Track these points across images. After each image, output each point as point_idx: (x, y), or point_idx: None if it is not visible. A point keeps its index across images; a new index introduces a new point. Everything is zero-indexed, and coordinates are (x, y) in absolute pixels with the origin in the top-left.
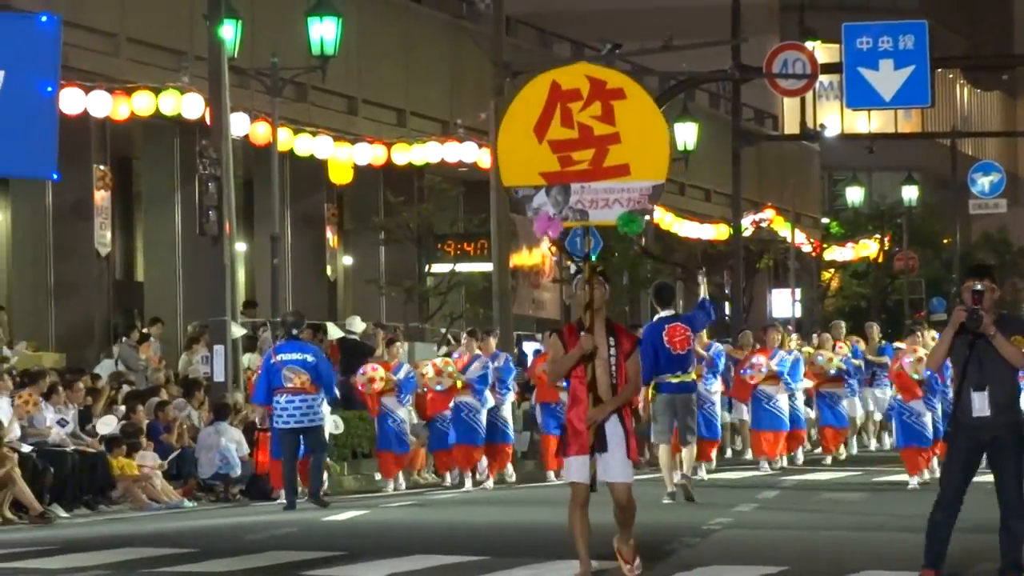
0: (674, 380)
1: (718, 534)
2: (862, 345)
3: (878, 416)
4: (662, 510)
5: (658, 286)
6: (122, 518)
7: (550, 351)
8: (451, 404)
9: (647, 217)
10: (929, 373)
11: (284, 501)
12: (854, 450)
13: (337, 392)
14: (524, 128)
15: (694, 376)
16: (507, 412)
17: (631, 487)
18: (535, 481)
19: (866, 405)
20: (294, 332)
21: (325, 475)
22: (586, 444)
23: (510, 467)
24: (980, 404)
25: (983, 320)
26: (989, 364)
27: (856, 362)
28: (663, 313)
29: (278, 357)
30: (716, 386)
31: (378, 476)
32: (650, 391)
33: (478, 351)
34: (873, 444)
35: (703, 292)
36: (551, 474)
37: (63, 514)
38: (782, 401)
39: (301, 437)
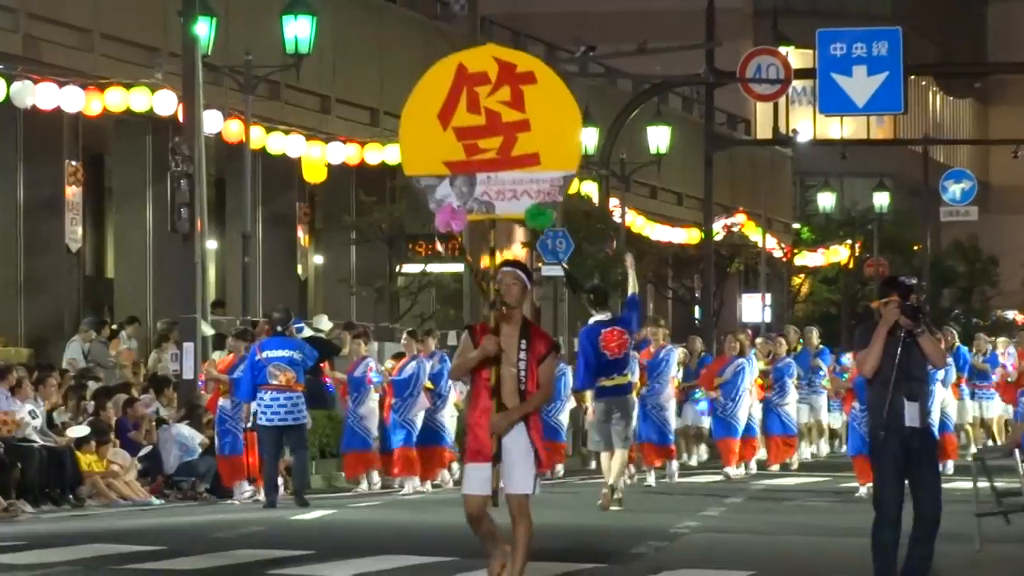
0: (609, 383)
1: (685, 538)
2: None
3: (815, 420)
4: (629, 513)
5: (593, 288)
6: (89, 515)
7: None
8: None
9: (554, 212)
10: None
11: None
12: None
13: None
14: (428, 114)
15: (629, 378)
16: (443, 415)
17: (528, 500)
18: None
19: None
20: (279, 328)
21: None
22: (488, 452)
23: (445, 472)
24: (912, 414)
25: (923, 314)
26: (914, 371)
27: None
28: (599, 316)
29: (263, 354)
30: (668, 391)
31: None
32: (588, 398)
33: (417, 352)
34: (809, 452)
35: (632, 285)
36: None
37: (29, 509)
38: (740, 409)
39: (283, 435)
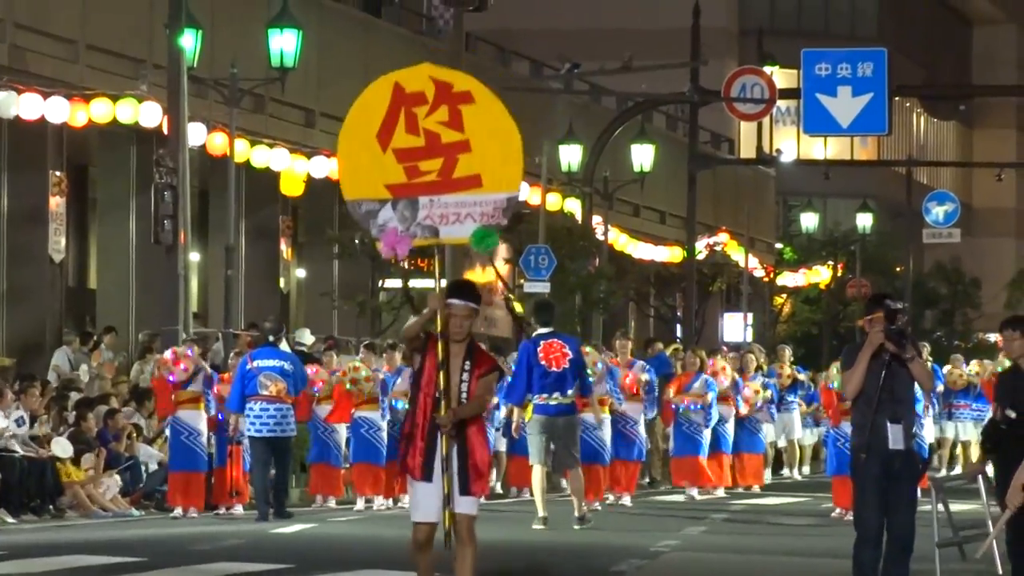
0: (552, 402)
1: (666, 556)
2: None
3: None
4: (609, 531)
5: (538, 303)
6: (69, 525)
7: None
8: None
9: (500, 234)
10: None
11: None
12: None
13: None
14: (366, 135)
15: (573, 399)
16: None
17: (473, 522)
18: None
19: (787, 432)
20: (271, 339)
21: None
22: (430, 468)
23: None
24: (895, 436)
25: (907, 340)
26: (899, 393)
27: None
28: (541, 330)
29: (254, 363)
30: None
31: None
32: (527, 411)
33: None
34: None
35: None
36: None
37: (10, 520)
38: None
39: (271, 448)
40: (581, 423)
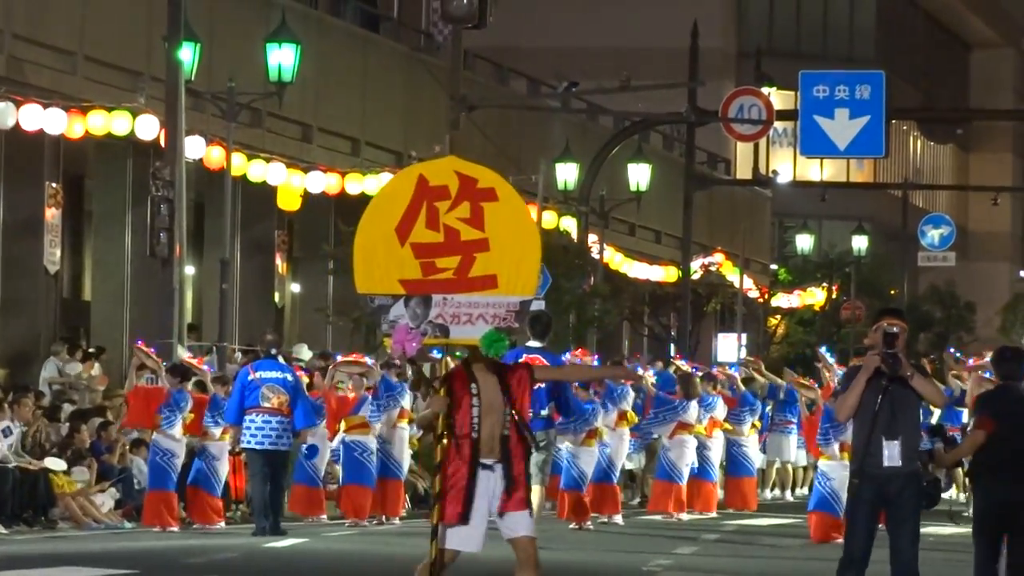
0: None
1: None
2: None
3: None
4: (601, 551)
5: (534, 315)
6: (62, 536)
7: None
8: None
9: (513, 338)
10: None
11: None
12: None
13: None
14: (386, 228)
15: (550, 415)
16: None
17: (535, 544)
18: None
19: (780, 454)
20: (273, 351)
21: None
22: (468, 514)
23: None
24: (891, 453)
25: (901, 363)
26: (901, 411)
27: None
28: (531, 344)
29: (256, 374)
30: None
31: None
32: None
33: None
34: (769, 494)
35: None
36: None
37: (2, 531)
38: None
39: (268, 460)
40: (554, 441)
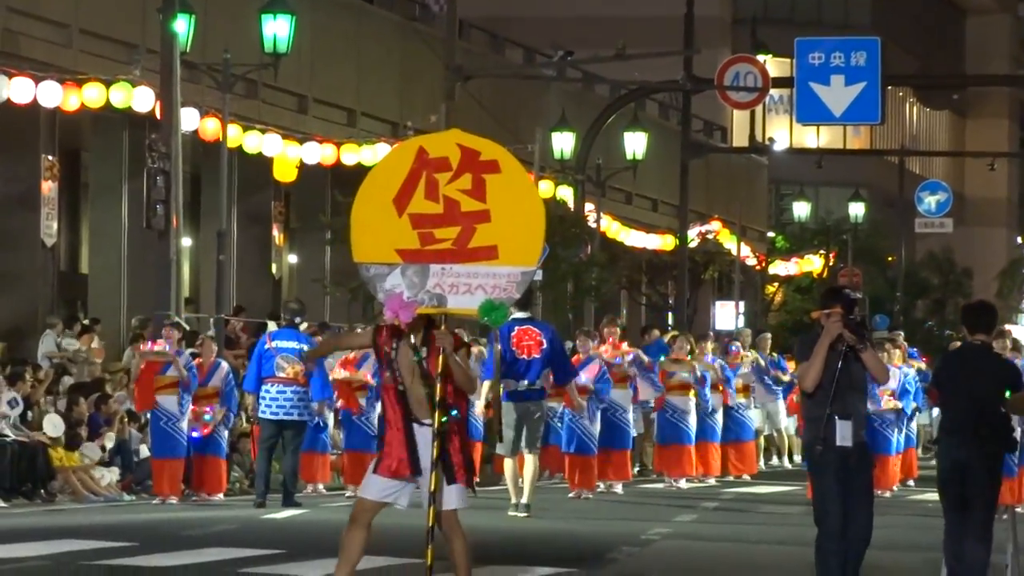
0: (520, 388)
1: (657, 544)
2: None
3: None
4: (602, 519)
5: None
6: (61, 509)
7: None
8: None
9: (512, 308)
10: None
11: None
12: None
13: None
14: (383, 198)
15: (542, 386)
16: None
17: (456, 514)
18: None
19: (773, 421)
20: (297, 321)
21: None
22: (406, 469)
23: None
24: (844, 433)
25: (865, 326)
26: (856, 384)
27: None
28: (517, 315)
29: (273, 343)
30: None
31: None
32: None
33: None
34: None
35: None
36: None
37: (1, 504)
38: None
39: (282, 431)
40: (547, 412)
